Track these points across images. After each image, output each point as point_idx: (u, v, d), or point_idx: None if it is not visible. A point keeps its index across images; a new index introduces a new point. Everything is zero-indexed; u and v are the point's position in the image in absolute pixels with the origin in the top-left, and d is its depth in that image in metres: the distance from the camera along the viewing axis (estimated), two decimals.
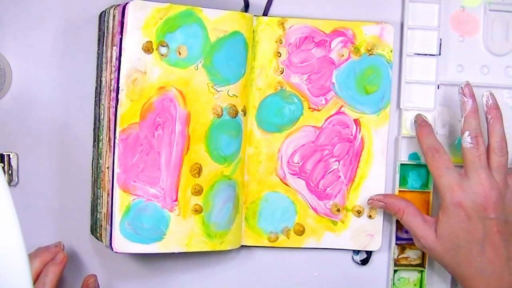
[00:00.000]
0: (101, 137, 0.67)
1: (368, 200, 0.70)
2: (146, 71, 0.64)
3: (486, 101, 0.66)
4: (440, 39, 0.72)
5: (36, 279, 0.64)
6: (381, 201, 0.69)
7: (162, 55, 0.64)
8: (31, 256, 0.65)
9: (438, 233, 0.65)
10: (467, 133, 0.65)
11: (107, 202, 0.65)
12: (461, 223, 0.64)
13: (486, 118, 0.66)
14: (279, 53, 0.71)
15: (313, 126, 0.71)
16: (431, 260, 0.73)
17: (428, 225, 0.66)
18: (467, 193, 0.64)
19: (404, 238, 0.73)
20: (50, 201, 0.71)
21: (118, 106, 0.63)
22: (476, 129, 0.65)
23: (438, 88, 0.72)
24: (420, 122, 0.69)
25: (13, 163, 0.70)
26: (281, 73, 0.71)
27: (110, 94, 0.65)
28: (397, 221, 0.72)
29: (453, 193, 0.64)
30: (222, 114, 0.67)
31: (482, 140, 0.65)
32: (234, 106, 0.68)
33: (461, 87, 0.66)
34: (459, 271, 0.65)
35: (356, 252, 0.73)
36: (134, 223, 0.64)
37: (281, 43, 0.71)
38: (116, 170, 0.64)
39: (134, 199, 0.64)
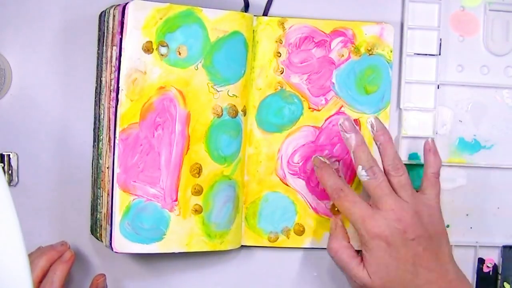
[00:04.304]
0: (101, 137, 0.67)
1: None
2: (146, 71, 0.64)
3: (371, 127, 0.66)
4: (440, 39, 0.72)
5: (42, 277, 0.64)
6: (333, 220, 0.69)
7: (162, 55, 0.64)
8: (38, 255, 0.65)
9: (369, 271, 0.63)
10: (360, 167, 0.64)
11: (107, 202, 0.65)
12: (386, 254, 0.63)
13: (376, 144, 0.66)
14: (279, 53, 0.71)
15: (313, 126, 0.71)
16: None
17: (361, 264, 0.64)
18: (380, 222, 0.63)
19: None
20: (50, 201, 0.71)
21: (118, 106, 0.63)
22: (368, 160, 0.64)
23: (438, 88, 0.72)
24: (319, 165, 0.68)
25: (13, 163, 0.70)
26: (281, 73, 0.71)
27: (110, 94, 0.65)
28: None
29: (366, 226, 0.63)
30: (222, 114, 0.67)
31: (378, 169, 0.64)
32: (234, 106, 0.68)
33: (340, 124, 0.66)
34: None
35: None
36: (134, 223, 0.64)
37: (281, 43, 0.71)
38: (116, 170, 0.64)
39: (134, 199, 0.64)
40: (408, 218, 0.63)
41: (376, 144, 0.66)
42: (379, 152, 0.66)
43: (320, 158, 0.69)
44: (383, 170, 0.65)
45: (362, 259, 0.64)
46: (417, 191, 0.66)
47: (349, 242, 0.67)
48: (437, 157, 0.67)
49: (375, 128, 0.66)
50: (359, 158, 0.65)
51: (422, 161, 0.72)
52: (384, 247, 0.63)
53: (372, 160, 0.65)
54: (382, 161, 0.66)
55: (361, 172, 0.64)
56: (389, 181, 0.65)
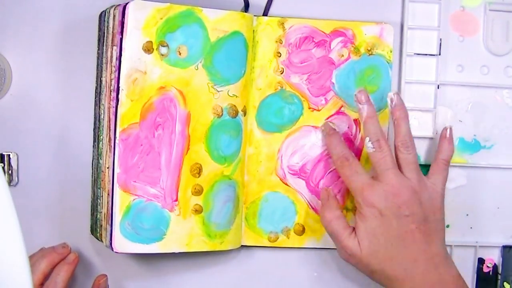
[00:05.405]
0: (101, 137, 0.67)
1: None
2: (147, 71, 0.64)
3: (391, 102, 0.66)
4: (440, 39, 0.72)
5: (43, 279, 0.64)
6: (325, 191, 0.68)
7: (162, 55, 0.64)
8: (38, 257, 0.65)
9: (359, 238, 0.64)
10: (367, 139, 0.65)
11: (107, 202, 0.65)
12: (378, 223, 0.63)
13: (392, 119, 0.66)
14: (279, 53, 0.71)
15: (313, 126, 0.71)
16: None
17: (352, 234, 0.65)
18: (378, 193, 0.63)
19: None
20: (50, 201, 0.71)
21: (118, 106, 0.63)
22: (376, 133, 0.65)
23: (438, 88, 0.72)
24: (329, 131, 0.69)
25: (13, 163, 0.70)
26: (281, 73, 0.71)
27: (110, 94, 0.65)
28: None
29: (364, 194, 0.63)
30: (222, 114, 0.67)
31: (384, 142, 0.64)
32: (234, 106, 0.68)
33: (355, 94, 0.66)
34: (385, 273, 0.63)
35: None
36: (134, 223, 0.64)
37: (281, 43, 0.71)
38: (116, 170, 0.64)
39: (134, 199, 0.64)
40: (406, 194, 0.63)
41: (392, 119, 0.66)
42: (394, 129, 0.66)
43: (331, 124, 0.69)
44: (391, 146, 0.65)
45: (353, 230, 0.65)
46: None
47: (342, 212, 0.67)
48: (451, 145, 0.67)
49: (393, 103, 0.66)
50: (367, 130, 0.65)
51: (423, 161, 0.72)
52: (378, 217, 0.63)
53: (380, 133, 0.65)
54: (394, 137, 0.66)
55: (368, 144, 0.65)
56: (397, 157, 0.65)
